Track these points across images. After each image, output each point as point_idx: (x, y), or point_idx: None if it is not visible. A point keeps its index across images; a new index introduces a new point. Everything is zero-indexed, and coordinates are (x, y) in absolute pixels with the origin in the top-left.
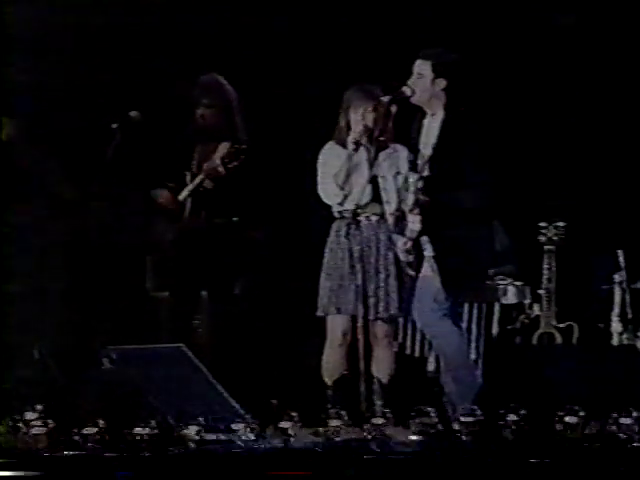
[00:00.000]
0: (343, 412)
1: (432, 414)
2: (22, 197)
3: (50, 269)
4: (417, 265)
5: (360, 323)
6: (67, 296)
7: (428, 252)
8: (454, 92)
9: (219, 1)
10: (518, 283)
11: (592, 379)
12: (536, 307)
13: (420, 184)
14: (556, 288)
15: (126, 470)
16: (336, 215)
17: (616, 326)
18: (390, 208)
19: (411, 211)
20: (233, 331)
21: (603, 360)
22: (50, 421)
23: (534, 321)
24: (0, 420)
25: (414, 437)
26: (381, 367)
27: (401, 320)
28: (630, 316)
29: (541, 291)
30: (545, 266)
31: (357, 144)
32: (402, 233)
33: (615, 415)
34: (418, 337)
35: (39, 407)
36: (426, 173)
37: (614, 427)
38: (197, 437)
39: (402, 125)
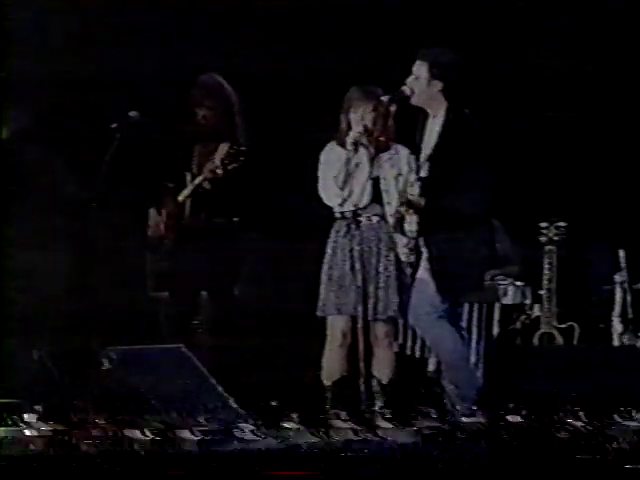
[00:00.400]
0: (343, 413)
1: (433, 415)
2: (22, 197)
3: (50, 269)
4: (415, 266)
5: (360, 324)
6: (66, 296)
7: (424, 254)
8: (452, 93)
9: (219, 1)
10: (519, 283)
11: (593, 380)
12: (537, 307)
13: (418, 185)
14: (557, 288)
15: (126, 471)
16: (337, 216)
17: (617, 326)
18: (391, 209)
19: (407, 211)
20: (233, 332)
21: (604, 360)
22: (50, 422)
23: (535, 321)
24: (0, 422)
25: (414, 438)
26: (381, 368)
27: (401, 321)
28: (631, 316)
29: (542, 291)
30: (546, 266)
31: (356, 144)
32: (403, 233)
33: (616, 416)
34: (418, 338)
35: (38, 408)
36: (425, 174)
37: (615, 428)
38: (197, 438)
39: (405, 126)
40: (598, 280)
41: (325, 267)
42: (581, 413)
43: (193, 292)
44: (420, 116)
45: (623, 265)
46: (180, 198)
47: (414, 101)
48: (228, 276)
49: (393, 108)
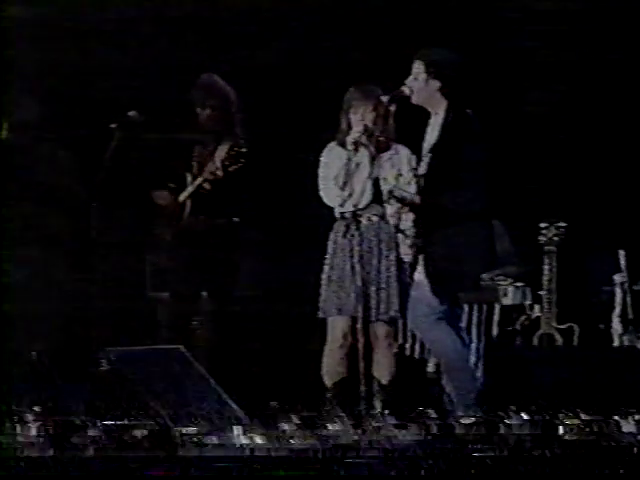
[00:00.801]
0: (343, 414)
1: (433, 415)
2: (22, 197)
3: (49, 269)
4: (413, 267)
5: (360, 324)
6: (66, 297)
7: (421, 255)
8: (451, 92)
9: (219, 1)
10: (518, 284)
11: (593, 380)
12: (536, 308)
13: (414, 183)
14: (557, 289)
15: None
16: (337, 216)
17: (617, 327)
18: (391, 209)
19: (401, 208)
20: (233, 332)
21: (604, 361)
22: (47, 423)
23: (534, 322)
24: None
25: (414, 438)
26: (381, 368)
27: (401, 321)
28: (631, 317)
29: (542, 292)
30: (545, 267)
31: (356, 144)
32: (404, 233)
33: (616, 417)
34: (418, 339)
35: (37, 409)
36: (423, 172)
37: (615, 429)
38: (196, 439)
39: (407, 126)
40: (598, 281)
41: (325, 268)
42: (582, 415)
43: (193, 293)
44: (422, 116)
45: (623, 266)
46: (181, 198)
47: (414, 100)
48: (228, 277)
49: (393, 108)
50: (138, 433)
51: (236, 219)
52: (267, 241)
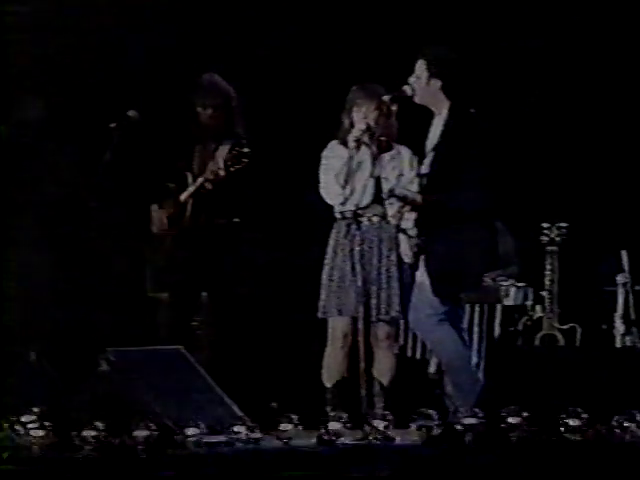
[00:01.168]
0: (343, 414)
1: (433, 416)
2: (21, 198)
3: (49, 270)
4: (415, 268)
5: (361, 325)
6: (65, 297)
7: (422, 255)
8: (453, 91)
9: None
10: (520, 284)
11: (595, 381)
12: (538, 309)
13: (417, 182)
14: (559, 289)
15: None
16: (337, 216)
17: (619, 328)
18: (392, 210)
19: (403, 207)
20: (233, 333)
21: (606, 362)
22: (47, 424)
23: (536, 323)
24: None
25: (415, 439)
26: (382, 369)
27: (402, 322)
28: (633, 317)
29: (543, 292)
30: (547, 267)
31: (358, 142)
32: (406, 233)
33: (618, 418)
34: (419, 339)
35: (36, 410)
36: (426, 171)
37: (617, 430)
38: (196, 440)
39: (408, 126)
40: (600, 281)
41: (326, 268)
42: (584, 415)
43: (193, 293)
44: (424, 115)
45: (625, 266)
46: (182, 198)
47: (417, 100)
48: (228, 277)
49: (395, 107)
50: (138, 434)
51: (237, 219)
52: (268, 241)
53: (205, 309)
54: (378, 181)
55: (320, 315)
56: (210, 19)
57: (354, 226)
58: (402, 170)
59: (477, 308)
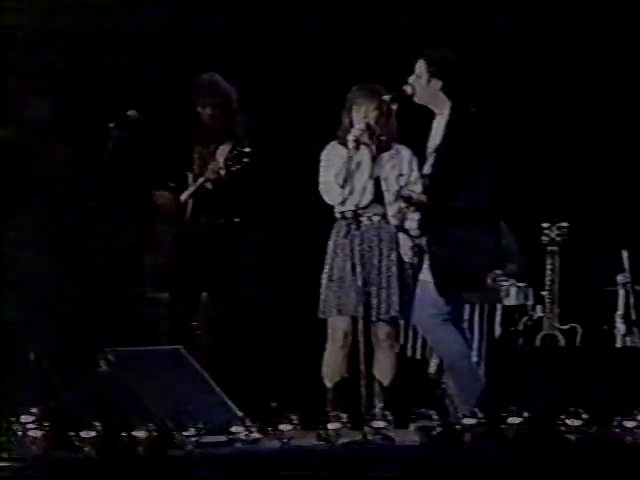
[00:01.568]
0: (343, 414)
1: (434, 416)
2: (21, 198)
3: (48, 270)
4: (419, 268)
5: (361, 324)
6: (64, 297)
7: (426, 255)
8: (454, 92)
9: (221, 0)
10: (521, 284)
11: (595, 381)
12: (539, 309)
13: (420, 183)
14: (559, 289)
15: (124, 473)
16: (337, 216)
17: (620, 328)
18: (392, 210)
19: (407, 208)
20: (233, 333)
21: (607, 362)
22: (46, 424)
23: (537, 323)
24: None
25: (415, 439)
26: (382, 369)
27: (402, 322)
28: (634, 317)
29: (544, 292)
30: (548, 267)
31: (357, 141)
32: (407, 233)
33: (619, 418)
34: (419, 339)
35: (35, 410)
36: (429, 172)
37: (618, 430)
38: (195, 440)
39: (410, 125)
40: (601, 281)
41: (326, 268)
42: (584, 416)
43: (193, 293)
44: (425, 115)
45: (626, 266)
46: (182, 198)
47: (417, 100)
48: (228, 277)
49: (395, 107)
50: (137, 434)
51: (237, 219)
52: (268, 241)
53: (205, 309)
54: (378, 181)
55: (320, 315)
56: (211, 18)
57: (354, 226)
58: (401, 170)
59: (477, 308)
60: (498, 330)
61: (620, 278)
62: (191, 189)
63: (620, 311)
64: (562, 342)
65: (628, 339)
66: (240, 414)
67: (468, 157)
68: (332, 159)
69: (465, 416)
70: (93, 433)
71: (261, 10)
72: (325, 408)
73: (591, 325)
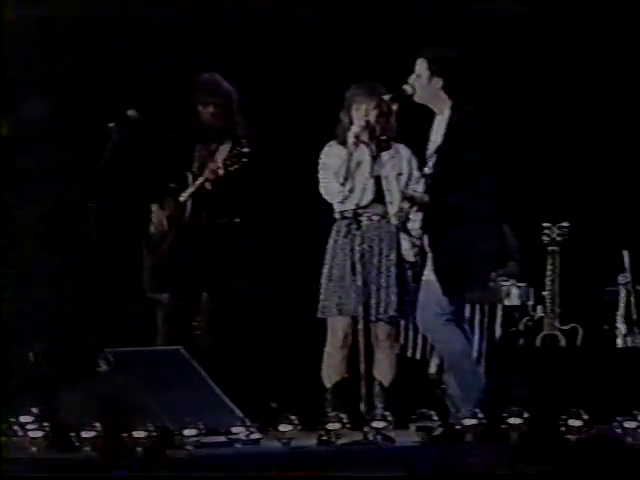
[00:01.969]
0: (343, 415)
1: (434, 417)
2: (20, 197)
3: (48, 270)
4: (420, 267)
5: (361, 325)
6: (64, 297)
7: (429, 255)
8: (454, 91)
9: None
10: (521, 284)
11: (596, 382)
12: (539, 309)
13: (422, 182)
14: (560, 289)
15: (124, 473)
16: (337, 216)
17: (621, 328)
18: (393, 209)
19: (410, 208)
20: (232, 333)
21: (608, 362)
22: (46, 424)
23: (537, 323)
24: None
25: (415, 440)
26: (382, 369)
27: (402, 322)
28: (635, 318)
29: (545, 292)
30: (549, 267)
31: (357, 139)
32: (408, 232)
33: (620, 418)
34: (419, 339)
35: (35, 410)
36: (430, 171)
37: (619, 430)
38: (195, 440)
39: (408, 125)
40: (602, 281)
41: (326, 268)
42: (585, 416)
43: (193, 293)
44: (424, 114)
45: (627, 266)
46: (181, 198)
47: (417, 99)
48: (229, 277)
49: (395, 106)
50: (137, 434)
51: (237, 219)
52: (268, 241)
53: (205, 309)
54: (378, 180)
55: (320, 315)
56: (210, 17)
57: (354, 225)
58: (401, 169)
59: (478, 308)
60: (499, 330)
61: (621, 278)
62: (190, 189)
63: (621, 311)
64: (563, 342)
65: (629, 339)
66: (240, 414)
67: (469, 157)
68: (331, 158)
69: (466, 416)
70: (93, 433)
71: (260, 9)
72: (325, 408)
73: (592, 325)
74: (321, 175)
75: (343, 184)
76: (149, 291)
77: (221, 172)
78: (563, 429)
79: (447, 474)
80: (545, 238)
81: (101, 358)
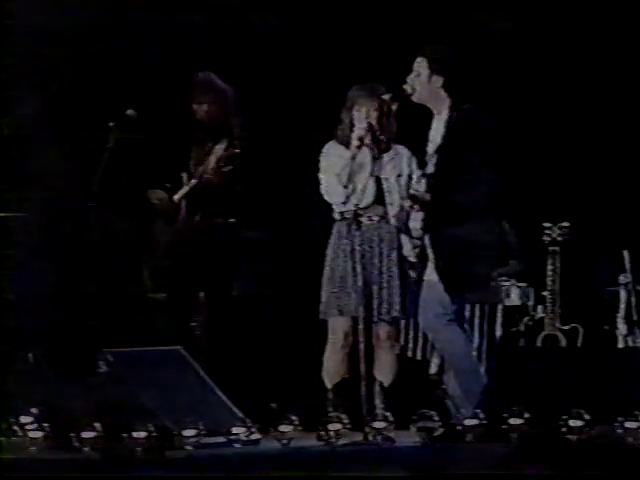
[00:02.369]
0: (344, 415)
1: (435, 417)
2: (20, 197)
3: (47, 270)
4: (422, 267)
5: (362, 325)
6: (63, 298)
7: (430, 255)
8: (454, 90)
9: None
10: (521, 284)
11: (597, 382)
12: (540, 309)
13: (424, 182)
14: (560, 289)
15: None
16: (337, 217)
17: (621, 328)
18: (393, 210)
19: (412, 207)
20: (232, 334)
21: (608, 363)
22: (46, 425)
23: (538, 323)
24: None
25: (416, 440)
26: (383, 370)
27: (403, 322)
28: (635, 318)
29: (545, 292)
30: (549, 267)
31: (361, 141)
32: (408, 232)
33: (621, 419)
34: (420, 339)
35: (34, 411)
36: (431, 171)
37: (620, 431)
38: (195, 441)
39: (410, 125)
40: (602, 281)
41: (326, 268)
42: (586, 416)
43: (190, 293)
44: (425, 114)
45: (627, 266)
46: (175, 198)
47: (416, 99)
48: (225, 277)
49: (395, 107)
50: (137, 435)
51: (232, 220)
52: (268, 241)
53: (204, 310)
54: (378, 181)
55: (321, 316)
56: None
57: (354, 226)
58: (401, 170)
59: (478, 308)
60: (499, 330)
61: (621, 278)
62: (184, 189)
63: (622, 311)
64: (563, 342)
65: (629, 339)
66: (240, 415)
67: (470, 156)
68: (332, 159)
69: (466, 417)
70: (93, 433)
71: (259, 7)
72: (326, 409)
73: (592, 325)
74: (322, 176)
75: (346, 186)
76: (149, 291)
77: (214, 173)
78: (564, 429)
79: (447, 474)
80: (546, 238)
81: (101, 358)
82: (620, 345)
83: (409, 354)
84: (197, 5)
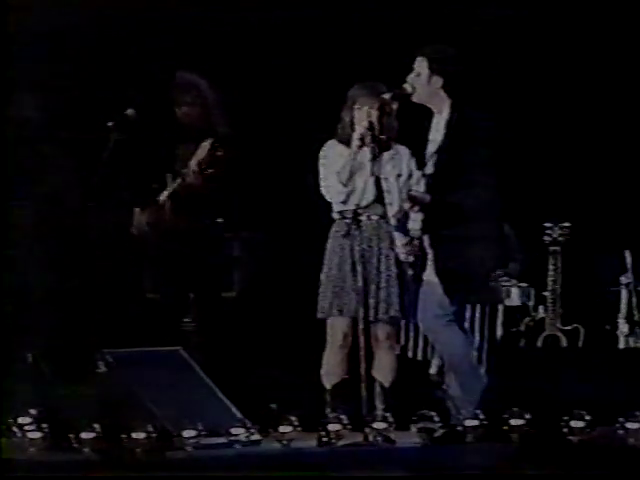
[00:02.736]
0: (343, 416)
1: (435, 418)
2: (19, 198)
3: (46, 270)
4: (421, 268)
5: (361, 325)
6: (63, 298)
7: (430, 255)
8: (454, 90)
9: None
10: (522, 284)
11: (598, 383)
12: (541, 309)
13: (423, 182)
14: (561, 290)
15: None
16: (336, 216)
17: (623, 328)
18: (392, 210)
19: (411, 208)
20: (231, 334)
21: (609, 363)
22: (44, 425)
23: (539, 323)
24: None
25: (416, 441)
26: (382, 370)
27: (403, 322)
28: (637, 318)
29: (546, 293)
30: (550, 267)
31: (362, 140)
32: (406, 232)
33: (622, 419)
34: (420, 339)
35: (33, 411)
36: (430, 171)
37: (621, 431)
38: (195, 441)
39: (410, 125)
40: (604, 282)
41: (325, 268)
42: (587, 417)
43: (180, 294)
44: (426, 114)
45: (629, 266)
46: (160, 199)
47: (416, 98)
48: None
49: (395, 106)
50: (136, 436)
51: (220, 219)
52: (267, 241)
53: (197, 310)
54: (378, 180)
55: (320, 316)
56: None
57: (353, 226)
58: (401, 170)
59: (478, 308)
60: (500, 331)
61: (623, 278)
62: (168, 190)
63: (623, 312)
64: (564, 343)
65: (631, 340)
66: (240, 416)
67: (470, 156)
68: (332, 157)
69: (467, 417)
70: (92, 434)
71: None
72: (325, 410)
73: (594, 326)
74: (322, 174)
75: (346, 185)
76: (147, 291)
77: (195, 173)
78: (565, 430)
79: (448, 475)
80: (547, 238)
81: (100, 359)
82: (621, 346)
83: (409, 354)
84: (197, 4)
